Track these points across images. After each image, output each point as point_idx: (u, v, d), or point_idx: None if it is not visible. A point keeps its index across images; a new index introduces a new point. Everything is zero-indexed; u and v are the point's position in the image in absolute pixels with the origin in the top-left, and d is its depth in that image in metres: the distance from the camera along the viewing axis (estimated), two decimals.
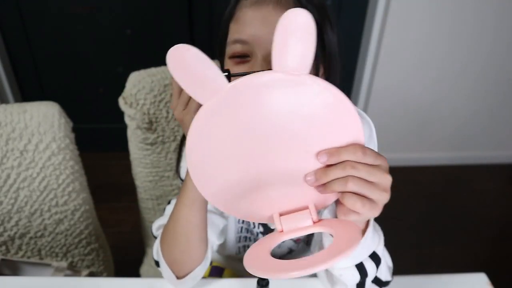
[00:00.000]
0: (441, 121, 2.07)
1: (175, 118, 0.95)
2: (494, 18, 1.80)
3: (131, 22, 1.81)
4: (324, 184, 0.44)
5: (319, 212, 0.49)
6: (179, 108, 0.52)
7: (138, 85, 0.91)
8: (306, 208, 0.47)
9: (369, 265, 0.57)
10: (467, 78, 1.96)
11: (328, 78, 0.62)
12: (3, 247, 0.97)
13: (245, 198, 0.47)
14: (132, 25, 1.82)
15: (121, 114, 0.94)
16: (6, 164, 0.87)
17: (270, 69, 0.40)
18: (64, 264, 0.91)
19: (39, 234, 0.98)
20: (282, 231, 0.47)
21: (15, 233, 0.96)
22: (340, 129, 0.43)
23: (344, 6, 1.81)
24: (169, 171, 1.02)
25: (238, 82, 0.40)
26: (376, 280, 0.60)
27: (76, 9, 1.76)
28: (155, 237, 0.69)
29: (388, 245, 0.60)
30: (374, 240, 0.57)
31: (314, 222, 0.47)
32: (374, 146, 0.66)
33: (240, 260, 0.86)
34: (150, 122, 0.94)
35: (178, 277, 0.65)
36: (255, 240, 0.82)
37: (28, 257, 1.00)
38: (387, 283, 0.62)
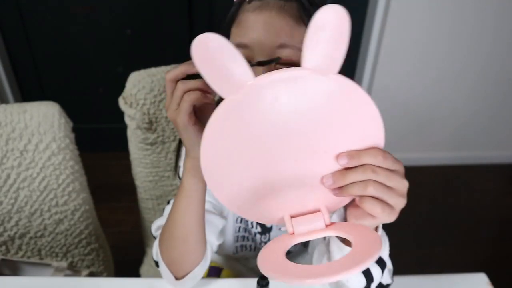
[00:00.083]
0: (441, 121, 2.07)
1: None
2: (494, 18, 1.80)
3: (131, 22, 1.81)
4: (340, 187, 0.44)
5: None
6: (172, 107, 0.51)
7: (138, 85, 0.91)
8: (317, 210, 0.46)
9: (375, 271, 0.57)
10: (467, 78, 1.96)
11: None
12: (3, 247, 0.97)
13: (259, 201, 0.46)
14: (132, 25, 1.82)
15: (121, 114, 0.94)
16: (6, 164, 0.87)
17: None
18: (64, 264, 0.91)
19: (39, 234, 0.98)
20: (293, 233, 0.45)
21: (15, 233, 0.96)
22: (362, 132, 0.42)
23: (344, 6, 1.81)
24: (169, 171, 1.02)
25: (263, 77, 0.39)
26: (378, 284, 0.60)
27: (76, 9, 1.75)
28: (155, 238, 0.69)
29: None
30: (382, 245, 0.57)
31: (326, 226, 0.45)
32: None
33: (238, 260, 0.86)
34: (150, 122, 0.94)
35: (177, 278, 0.65)
36: (253, 240, 0.81)
37: (28, 257, 1.00)
38: (387, 286, 0.62)
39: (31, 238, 0.98)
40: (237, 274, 0.85)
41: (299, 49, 0.57)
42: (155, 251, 0.67)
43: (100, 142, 2.05)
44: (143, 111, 0.92)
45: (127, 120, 0.94)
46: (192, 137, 0.51)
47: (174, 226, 0.61)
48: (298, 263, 0.40)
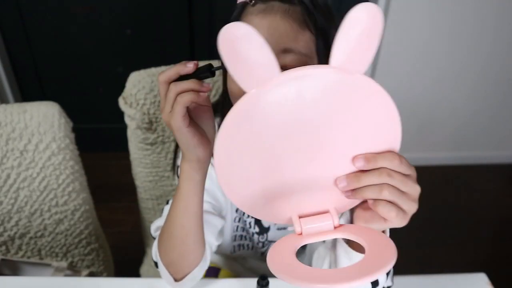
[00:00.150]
0: (441, 121, 2.07)
1: None
2: (494, 18, 1.80)
3: (131, 22, 1.81)
4: (354, 189, 0.43)
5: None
6: (166, 110, 0.50)
7: (138, 85, 0.91)
8: (326, 211, 0.45)
9: (381, 275, 0.57)
10: (467, 78, 1.96)
11: None
12: (3, 247, 0.97)
13: (269, 201, 0.45)
14: (132, 25, 1.82)
15: (121, 114, 0.94)
16: (6, 164, 0.87)
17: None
18: (64, 264, 0.91)
19: (39, 234, 0.98)
20: (301, 233, 0.44)
21: (15, 233, 0.96)
22: (380, 135, 0.42)
23: (344, 6, 1.81)
24: (169, 171, 1.02)
25: (288, 72, 0.37)
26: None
27: (76, 9, 1.76)
28: (154, 238, 0.69)
29: None
30: None
31: (335, 227, 0.45)
32: None
33: (235, 259, 0.86)
34: (150, 122, 0.94)
35: (176, 279, 0.65)
36: (251, 239, 0.81)
37: (28, 257, 1.00)
38: None
39: (31, 238, 0.98)
40: (235, 274, 0.85)
41: (303, 54, 0.56)
42: (154, 251, 0.66)
43: (100, 142, 2.05)
44: (143, 111, 0.92)
45: (127, 120, 0.94)
46: (187, 139, 0.51)
47: (172, 227, 0.61)
48: None
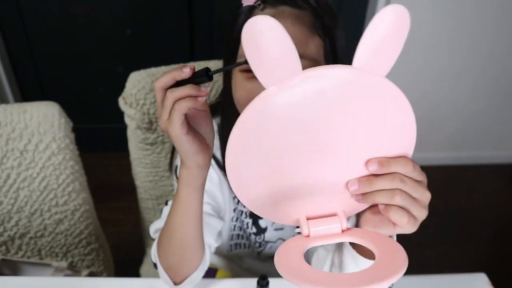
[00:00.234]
0: (441, 121, 2.07)
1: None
2: (495, 18, 1.80)
3: (131, 22, 1.81)
4: (365, 193, 0.43)
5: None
6: (163, 118, 0.48)
7: (138, 85, 0.91)
8: (334, 214, 0.45)
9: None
10: (467, 78, 1.96)
11: None
12: (3, 247, 0.97)
13: (279, 202, 0.44)
14: (132, 25, 1.82)
15: (121, 114, 0.94)
16: (6, 164, 0.87)
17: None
18: (64, 264, 0.90)
19: (39, 234, 0.98)
20: (308, 236, 0.44)
21: (15, 233, 0.96)
22: (395, 139, 0.41)
23: (344, 6, 1.81)
24: (169, 171, 1.03)
25: (311, 71, 0.36)
26: None
27: (76, 9, 1.75)
28: (153, 240, 0.69)
29: None
30: None
31: (342, 231, 0.44)
32: None
33: (232, 259, 0.86)
34: (150, 122, 0.94)
35: (175, 283, 0.64)
36: (248, 238, 0.81)
37: (28, 257, 1.00)
38: None
39: (31, 238, 0.98)
40: (232, 274, 0.85)
41: (313, 60, 0.56)
42: (153, 253, 0.66)
43: (100, 142, 2.05)
44: (143, 111, 0.92)
45: (127, 120, 0.94)
46: (186, 147, 0.49)
47: (172, 233, 0.60)
48: None
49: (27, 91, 1.98)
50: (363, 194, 0.43)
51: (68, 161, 0.90)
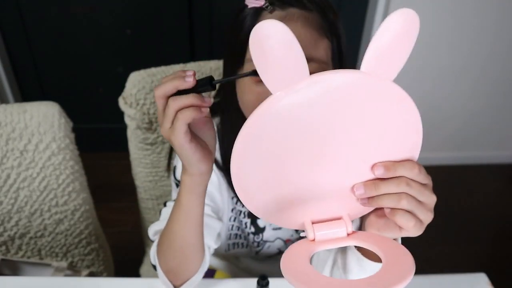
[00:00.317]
0: (441, 121, 2.07)
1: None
2: (495, 19, 1.80)
3: (131, 22, 1.81)
4: (370, 197, 0.43)
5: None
6: (166, 126, 0.47)
7: (138, 85, 0.91)
8: (338, 218, 0.45)
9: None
10: (467, 78, 1.96)
11: None
12: (3, 247, 0.97)
13: (284, 207, 0.44)
14: (132, 25, 1.82)
15: (121, 114, 0.94)
16: (6, 164, 0.87)
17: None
18: (64, 264, 0.90)
19: (39, 234, 0.98)
20: (314, 240, 0.43)
21: (15, 233, 0.96)
22: (402, 144, 0.41)
23: (344, 6, 1.81)
24: (169, 171, 1.03)
25: (318, 75, 0.36)
26: None
27: (76, 9, 1.75)
28: (152, 241, 0.69)
29: None
30: None
31: (348, 234, 0.44)
32: None
33: (229, 259, 0.86)
34: (150, 122, 0.94)
35: (175, 286, 0.64)
36: (245, 238, 0.81)
37: (28, 257, 1.00)
38: None
39: (31, 238, 0.98)
40: (230, 274, 0.85)
41: (322, 62, 0.56)
42: (152, 255, 0.66)
43: (100, 142, 2.05)
44: (143, 111, 0.92)
45: (127, 120, 0.94)
46: (189, 155, 0.49)
47: (172, 238, 0.60)
48: None
49: (27, 91, 1.98)
50: (369, 198, 0.43)
51: (68, 161, 0.90)
